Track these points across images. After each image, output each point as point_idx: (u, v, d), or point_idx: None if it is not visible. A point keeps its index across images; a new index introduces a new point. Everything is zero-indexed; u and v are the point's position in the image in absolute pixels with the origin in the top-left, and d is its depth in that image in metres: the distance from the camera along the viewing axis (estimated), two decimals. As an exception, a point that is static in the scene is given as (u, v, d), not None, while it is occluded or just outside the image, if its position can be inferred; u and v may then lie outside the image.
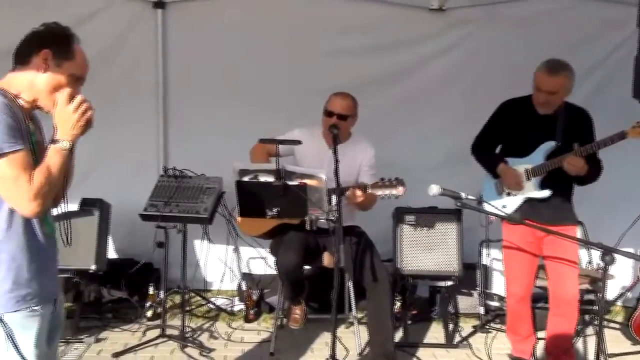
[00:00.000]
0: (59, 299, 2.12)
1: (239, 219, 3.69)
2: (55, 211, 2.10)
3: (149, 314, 4.37)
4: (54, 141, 1.94)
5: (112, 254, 4.71)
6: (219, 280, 4.95)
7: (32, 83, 1.96)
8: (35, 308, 1.94)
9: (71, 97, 1.94)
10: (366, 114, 3.98)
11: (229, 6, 4.73)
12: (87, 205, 4.17)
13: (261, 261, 4.88)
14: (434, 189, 2.67)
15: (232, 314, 4.58)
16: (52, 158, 1.91)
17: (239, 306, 4.67)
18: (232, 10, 4.74)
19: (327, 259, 3.81)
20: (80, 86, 2.05)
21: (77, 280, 4.20)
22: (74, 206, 4.12)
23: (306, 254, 3.57)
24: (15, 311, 1.89)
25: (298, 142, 3.44)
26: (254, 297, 4.58)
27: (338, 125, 3.58)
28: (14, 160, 1.82)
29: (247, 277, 4.86)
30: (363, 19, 4.81)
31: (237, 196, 3.24)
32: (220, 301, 4.75)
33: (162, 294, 4.34)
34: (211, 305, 4.67)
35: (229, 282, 4.93)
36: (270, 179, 3.16)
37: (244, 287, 4.73)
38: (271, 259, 4.57)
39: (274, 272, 4.64)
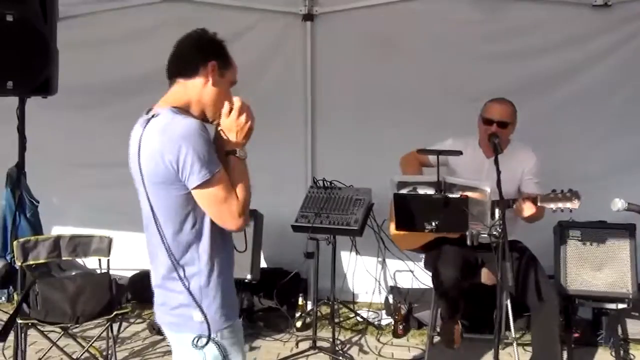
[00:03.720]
0: None
1: (393, 231, 3.59)
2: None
3: (299, 324, 4.39)
4: (228, 152, 1.89)
5: (262, 263, 4.79)
6: (365, 292, 4.87)
7: (200, 95, 1.90)
8: (238, 320, 1.97)
9: (231, 106, 1.91)
10: (523, 119, 3.72)
11: (376, 13, 4.65)
12: (243, 215, 4.28)
13: (409, 274, 4.72)
14: (619, 204, 2.41)
15: (380, 327, 4.47)
16: (240, 170, 1.88)
17: (386, 320, 4.56)
18: (378, 17, 4.66)
19: (485, 276, 3.59)
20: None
21: (233, 289, 4.32)
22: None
23: (465, 269, 3.39)
24: (224, 328, 1.91)
25: (459, 153, 3.27)
26: (403, 312, 4.45)
27: (498, 134, 3.37)
28: (220, 180, 1.80)
29: (394, 290, 4.73)
30: (518, 19, 4.55)
31: (394, 209, 3.14)
32: (368, 314, 4.66)
33: (309, 305, 4.35)
34: (359, 318, 4.60)
35: (376, 294, 4.83)
36: (429, 191, 3.03)
37: (391, 301, 4.61)
38: (419, 272, 4.45)
39: (423, 285, 4.52)
